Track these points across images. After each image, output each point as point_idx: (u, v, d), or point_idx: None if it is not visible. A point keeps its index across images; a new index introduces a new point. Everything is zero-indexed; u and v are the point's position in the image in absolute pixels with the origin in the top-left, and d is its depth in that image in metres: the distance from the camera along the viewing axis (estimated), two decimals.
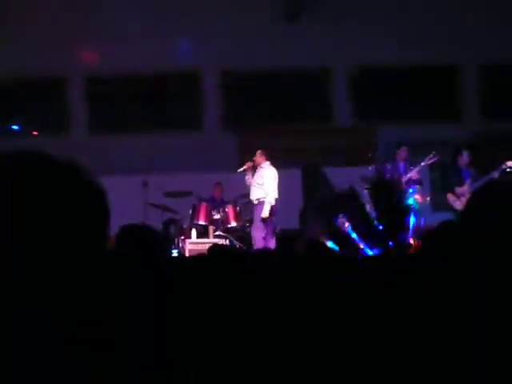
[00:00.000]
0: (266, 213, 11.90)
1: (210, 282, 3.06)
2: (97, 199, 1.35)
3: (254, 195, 12.14)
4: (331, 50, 14.95)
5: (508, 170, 12.10)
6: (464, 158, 12.77)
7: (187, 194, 12.67)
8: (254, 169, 12.31)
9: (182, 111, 15.60)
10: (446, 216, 11.56)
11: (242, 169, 12.41)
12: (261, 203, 12.00)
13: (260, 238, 11.74)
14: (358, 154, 14.44)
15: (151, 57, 14.59)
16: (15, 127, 15.34)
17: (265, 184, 12.08)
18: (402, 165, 12.43)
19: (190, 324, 2.78)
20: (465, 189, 12.22)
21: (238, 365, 2.40)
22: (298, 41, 14.74)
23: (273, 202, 12.02)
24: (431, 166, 12.79)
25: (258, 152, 12.27)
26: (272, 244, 11.49)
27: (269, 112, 15.58)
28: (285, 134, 15.47)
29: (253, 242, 11.72)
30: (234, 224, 12.34)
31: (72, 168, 1.32)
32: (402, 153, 12.55)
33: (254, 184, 12.18)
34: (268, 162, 12.24)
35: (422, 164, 12.42)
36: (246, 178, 12.35)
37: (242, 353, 2.44)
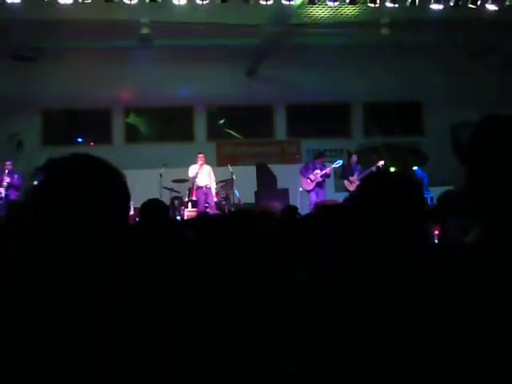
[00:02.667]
0: (214, 192, 12.15)
1: (197, 232, 3.07)
2: (121, 182, 1.39)
3: (203, 182, 12.07)
4: (273, 93, 14.86)
5: (380, 166, 12.33)
6: (354, 159, 12.99)
7: (186, 181, 12.58)
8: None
9: (182, 129, 15.42)
10: (344, 194, 11.74)
11: (196, 165, 12.24)
12: (208, 188, 12.06)
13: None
14: (290, 157, 14.54)
15: (165, 95, 14.35)
16: (80, 140, 15.10)
17: (210, 175, 12.23)
18: (319, 166, 12.48)
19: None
20: (355, 178, 12.40)
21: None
22: (252, 87, 14.67)
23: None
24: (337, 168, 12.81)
25: (201, 155, 12.27)
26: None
27: (235, 130, 15.55)
28: (245, 144, 15.41)
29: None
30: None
31: (109, 166, 1.39)
32: (321, 159, 12.62)
33: (202, 175, 12.10)
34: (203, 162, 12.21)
35: (332, 166, 12.51)
36: (195, 171, 12.17)
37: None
